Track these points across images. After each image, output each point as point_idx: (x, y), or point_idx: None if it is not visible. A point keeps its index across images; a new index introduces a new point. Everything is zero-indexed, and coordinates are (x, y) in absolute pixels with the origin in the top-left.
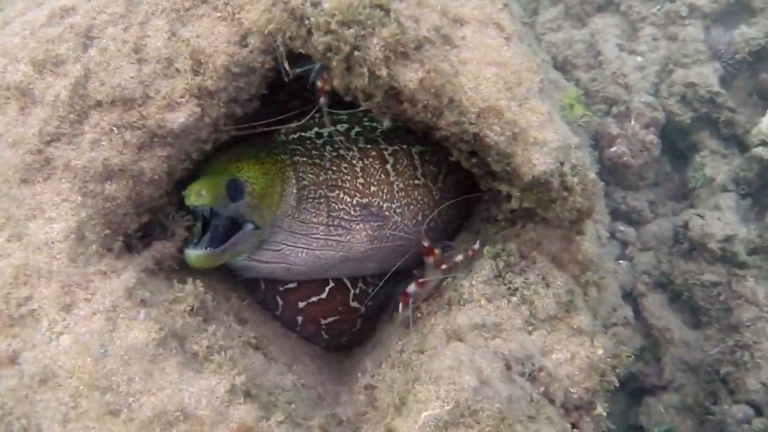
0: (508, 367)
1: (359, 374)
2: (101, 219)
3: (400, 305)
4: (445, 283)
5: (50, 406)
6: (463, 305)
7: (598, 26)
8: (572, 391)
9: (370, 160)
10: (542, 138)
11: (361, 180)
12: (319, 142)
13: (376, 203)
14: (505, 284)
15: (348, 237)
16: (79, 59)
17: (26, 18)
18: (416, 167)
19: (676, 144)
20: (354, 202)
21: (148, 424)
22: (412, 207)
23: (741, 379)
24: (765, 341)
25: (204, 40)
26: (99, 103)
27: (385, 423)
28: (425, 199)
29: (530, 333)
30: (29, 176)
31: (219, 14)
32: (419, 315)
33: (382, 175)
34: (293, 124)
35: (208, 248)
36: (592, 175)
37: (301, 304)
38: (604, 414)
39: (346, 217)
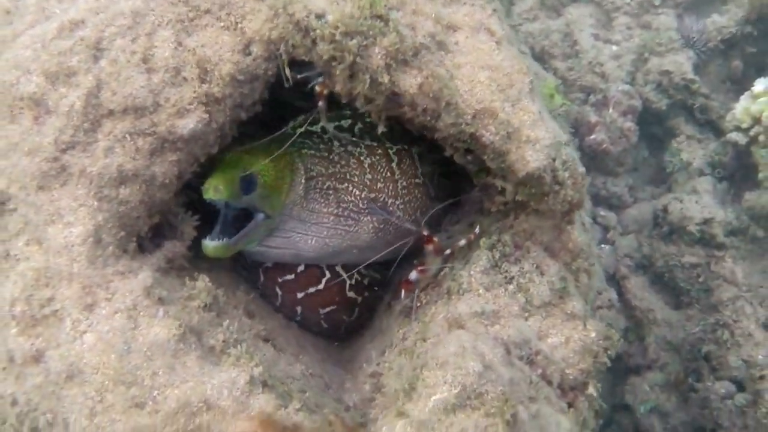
0: (508, 352)
1: (364, 363)
2: (116, 222)
3: (403, 293)
4: (442, 274)
5: (77, 401)
6: (463, 294)
7: (574, 16)
8: (568, 372)
9: (377, 157)
10: (534, 136)
11: (369, 176)
12: (326, 137)
13: (382, 199)
14: (501, 273)
15: (356, 227)
16: (90, 70)
17: (36, 31)
18: (416, 167)
19: (653, 130)
20: (363, 196)
21: (173, 415)
22: (412, 204)
23: (723, 356)
24: (744, 320)
25: (209, 49)
26: (111, 112)
27: (397, 407)
28: (423, 197)
29: (526, 319)
30: (46, 183)
31: (222, 24)
32: (419, 304)
33: (388, 173)
34: (300, 118)
35: (225, 239)
36: (581, 169)
37: (300, 295)
38: (596, 394)
39: (354, 209)
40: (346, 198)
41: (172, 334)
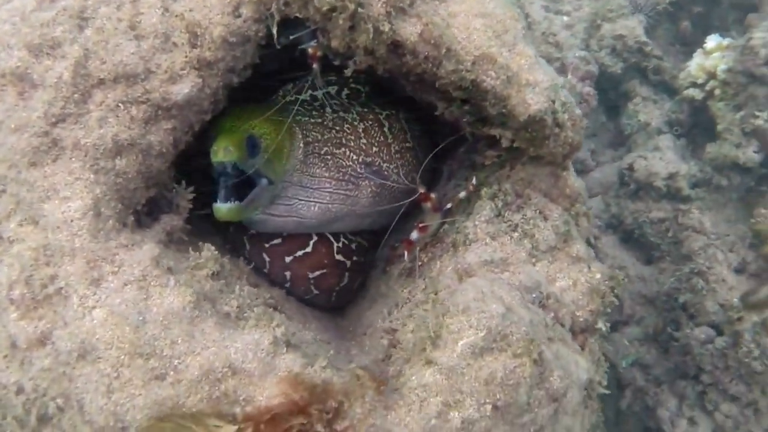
0: (523, 296)
1: (379, 320)
2: (115, 194)
3: (405, 253)
4: (442, 230)
5: (91, 380)
6: (470, 245)
7: None
8: (578, 314)
9: (369, 122)
10: (533, 79)
11: (363, 140)
12: (316, 103)
13: (377, 163)
14: (505, 222)
15: (356, 192)
16: (76, 40)
17: (13, 5)
18: (406, 131)
19: (608, 95)
20: (360, 160)
21: (196, 384)
22: (404, 168)
23: (699, 303)
24: (717, 266)
25: (197, 13)
26: (102, 81)
27: (424, 356)
28: (414, 161)
29: (534, 264)
30: (38, 159)
31: None
32: (420, 263)
33: (381, 138)
34: (289, 86)
35: (236, 202)
36: (578, 111)
37: (288, 259)
38: (605, 329)
39: (353, 173)
40: (344, 163)
41: (186, 302)
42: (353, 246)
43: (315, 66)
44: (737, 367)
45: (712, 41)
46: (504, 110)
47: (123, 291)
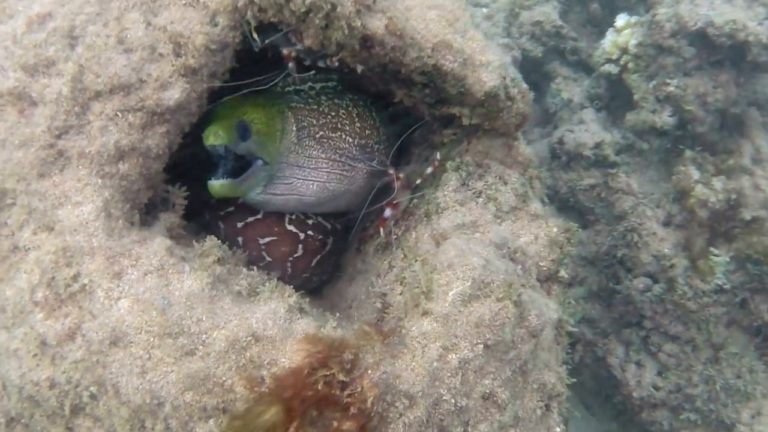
0: (495, 251)
1: (363, 292)
2: (121, 196)
3: (381, 230)
4: (412, 204)
5: (125, 364)
6: (442, 213)
7: None
8: (542, 264)
9: (360, 108)
10: (486, 60)
11: (358, 124)
12: (312, 92)
13: (370, 145)
14: (470, 189)
15: (353, 173)
16: (69, 57)
17: (3, 30)
18: (376, 119)
19: (532, 77)
20: (355, 143)
21: (224, 354)
22: (387, 150)
23: (635, 256)
24: (647, 221)
25: (178, 25)
26: (99, 93)
27: (421, 308)
28: (391, 143)
29: (500, 224)
30: (45, 170)
31: (184, 1)
32: (395, 236)
33: (371, 121)
34: (288, 80)
35: (229, 179)
36: (525, 85)
37: (239, 224)
38: (567, 276)
39: (349, 155)
40: (341, 145)
41: (204, 283)
42: (309, 221)
43: (291, 65)
44: (674, 309)
45: (621, 20)
46: (462, 89)
47: (144, 280)
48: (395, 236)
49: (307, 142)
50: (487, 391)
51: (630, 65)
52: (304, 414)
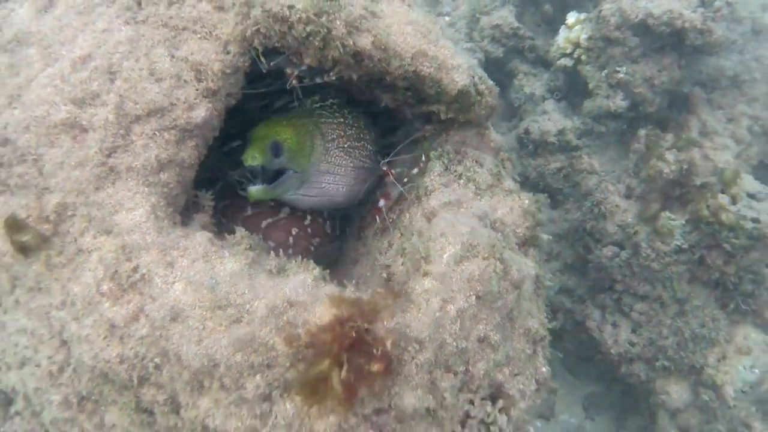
0: (478, 222)
1: (377, 255)
2: (164, 201)
3: (377, 218)
4: (401, 196)
5: (184, 335)
6: (430, 194)
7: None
8: (518, 231)
9: (367, 119)
10: (457, 63)
11: (373, 134)
12: (335, 107)
13: (375, 150)
14: (452, 173)
15: (371, 175)
16: (111, 90)
17: (51, 71)
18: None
19: (496, 76)
20: (374, 150)
21: (266, 318)
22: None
23: (602, 227)
24: (610, 195)
25: (197, 55)
26: (138, 117)
27: (422, 270)
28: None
29: (480, 199)
30: (100, 184)
31: (199, 35)
32: (391, 220)
33: (374, 131)
34: (315, 97)
35: (265, 185)
36: (491, 82)
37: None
38: (545, 237)
39: (368, 160)
40: (363, 153)
41: (243, 264)
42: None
43: (294, 82)
44: (641, 271)
45: (571, 17)
46: (439, 89)
47: (193, 266)
48: (391, 220)
49: (335, 152)
50: (482, 334)
51: (583, 57)
52: (345, 360)
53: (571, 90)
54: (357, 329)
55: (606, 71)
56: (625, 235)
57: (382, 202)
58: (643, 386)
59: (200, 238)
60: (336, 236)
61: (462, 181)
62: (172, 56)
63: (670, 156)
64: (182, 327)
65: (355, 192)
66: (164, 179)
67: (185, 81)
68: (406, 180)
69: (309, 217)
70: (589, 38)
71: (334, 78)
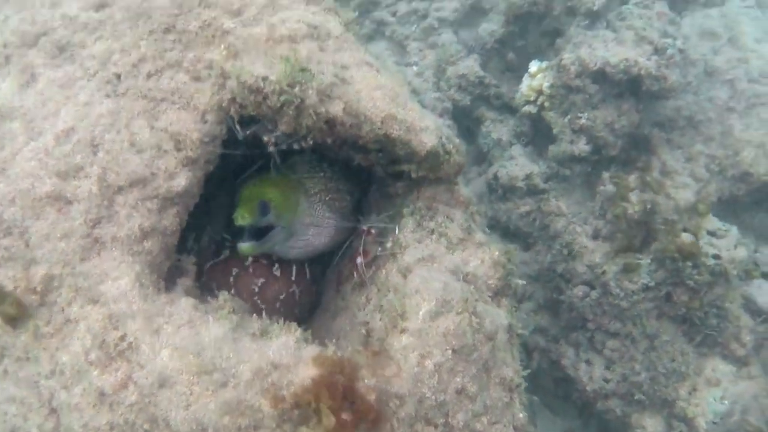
0: (451, 276)
1: (348, 324)
2: (149, 269)
3: (355, 274)
4: (379, 250)
5: (172, 401)
6: (404, 250)
7: (375, 52)
8: (489, 282)
9: (344, 173)
10: (424, 125)
11: (348, 185)
12: (314, 163)
13: (356, 201)
14: (425, 229)
15: (349, 224)
16: (94, 162)
17: (34, 145)
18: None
19: (464, 123)
20: (350, 200)
21: (251, 382)
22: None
23: (573, 268)
24: (578, 237)
25: (176, 125)
26: (121, 188)
27: (399, 327)
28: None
29: (452, 254)
30: (86, 255)
31: (177, 106)
32: (368, 276)
33: (350, 184)
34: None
35: (254, 241)
36: (457, 140)
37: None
38: (520, 283)
39: (347, 211)
40: (342, 204)
41: (227, 329)
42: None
43: (272, 148)
44: (611, 309)
45: (533, 66)
46: (409, 150)
47: (179, 332)
48: (368, 275)
49: (318, 206)
50: (459, 386)
51: (546, 104)
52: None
53: (537, 135)
54: (343, 386)
55: (569, 117)
56: (594, 275)
57: (359, 260)
58: (620, 421)
59: (184, 304)
60: (314, 281)
61: (434, 236)
62: (152, 127)
63: (633, 196)
64: (170, 393)
65: (337, 241)
66: (148, 247)
67: (165, 151)
68: (380, 246)
69: (294, 269)
70: (551, 86)
71: (311, 143)
